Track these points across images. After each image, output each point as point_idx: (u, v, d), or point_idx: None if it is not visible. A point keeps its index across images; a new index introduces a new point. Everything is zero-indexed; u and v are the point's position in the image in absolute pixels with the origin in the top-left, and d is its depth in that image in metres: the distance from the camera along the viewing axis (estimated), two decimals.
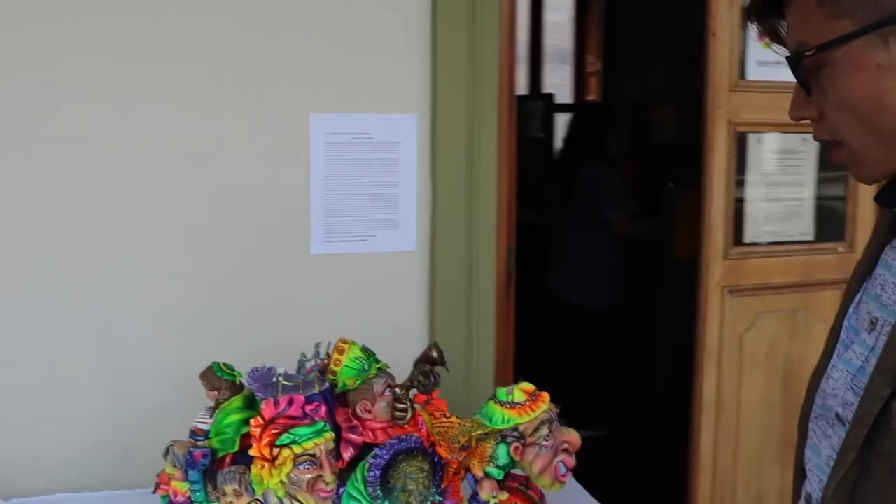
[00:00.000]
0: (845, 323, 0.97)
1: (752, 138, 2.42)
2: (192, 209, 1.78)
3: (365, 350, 1.42)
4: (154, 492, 1.44)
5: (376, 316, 1.92)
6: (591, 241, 4.02)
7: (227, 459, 1.39)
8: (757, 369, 2.53)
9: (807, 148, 2.49)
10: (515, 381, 2.32)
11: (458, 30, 1.88)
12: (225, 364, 1.44)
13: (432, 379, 1.38)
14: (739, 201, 2.46)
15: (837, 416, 0.93)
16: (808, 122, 0.95)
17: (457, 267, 1.99)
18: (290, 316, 1.85)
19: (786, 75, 2.70)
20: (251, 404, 1.43)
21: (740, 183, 2.45)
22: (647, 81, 4.89)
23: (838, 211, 2.58)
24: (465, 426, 1.39)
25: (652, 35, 4.84)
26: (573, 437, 1.35)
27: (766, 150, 2.45)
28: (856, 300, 0.97)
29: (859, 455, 0.84)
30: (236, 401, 1.41)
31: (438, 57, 1.87)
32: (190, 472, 1.35)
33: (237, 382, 1.44)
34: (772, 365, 2.55)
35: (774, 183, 2.48)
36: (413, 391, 1.41)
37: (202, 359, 1.75)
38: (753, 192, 2.47)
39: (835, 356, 0.97)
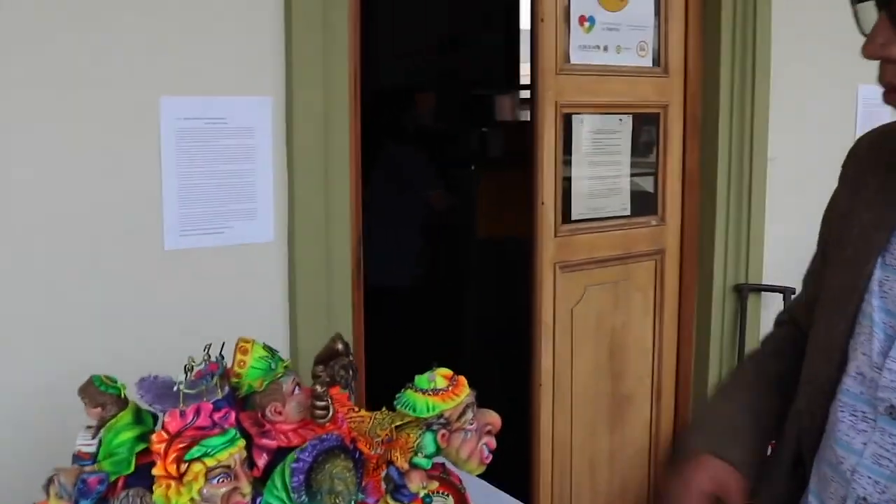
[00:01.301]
0: (875, 303, 0.93)
1: (575, 119, 2.52)
2: (29, 204, 1.57)
3: (267, 348, 1.32)
4: None
5: (235, 312, 1.80)
6: (393, 223, 4.03)
7: (120, 483, 1.24)
8: (587, 340, 2.65)
9: (622, 128, 2.64)
10: (366, 370, 2.29)
11: (313, 7, 1.80)
12: (107, 376, 1.28)
13: (351, 372, 1.31)
14: (566, 180, 2.55)
15: (891, 410, 0.90)
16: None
17: (316, 257, 1.91)
18: (143, 319, 1.69)
19: (605, 59, 2.80)
20: (139, 418, 1.28)
21: (566, 162, 2.54)
22: (408, 66, 4.95)
23: (650, 187, 2.75)
24: (377, 419, 1.34)
25: (414, 19, 4.92)
26: (494, 418, 1.33)
27: (588, 130, 2.56)
28: (876, 276, 0.94)
29: None
30: (125, 416, 1.26)
31: (293, 36, 1.78)
32: (82, 503, 1.19)
33: (122, 396, 1.28)
34: (599, 335, 2.68)
35: (596, 162, 2.60)
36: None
37: (46, 375, 1.56)
38: (578, 171, 2.57)
39: (875, 343, 0.91)
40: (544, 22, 2.37)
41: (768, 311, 2.84)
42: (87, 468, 1.23)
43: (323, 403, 1.25)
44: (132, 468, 1.23)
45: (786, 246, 2.87)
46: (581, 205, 2.59)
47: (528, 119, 6.53)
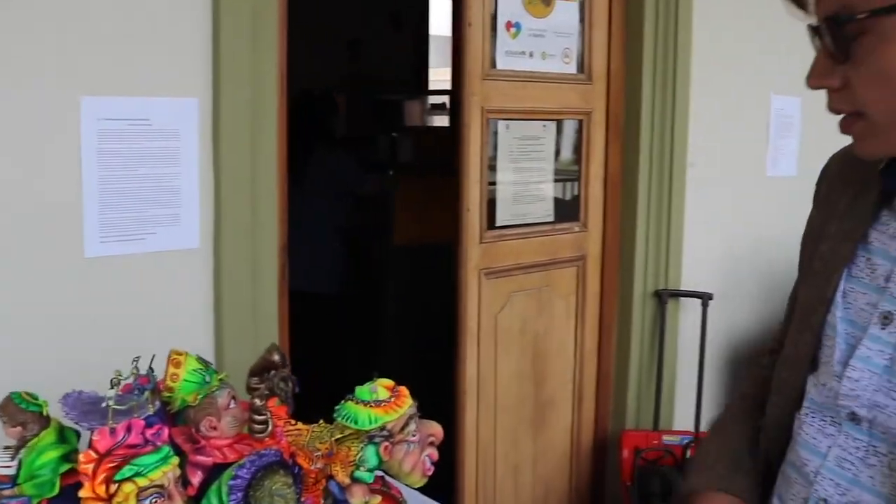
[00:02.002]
0: (838, 314, 0.94)
1: (500, 125, 2.52)
2: None
3: (201, 360, 1.27)
4: None
5: (159, 321, 1.73)
6: (315, 229, 3.97)
7: None
8: (511, 347, 2.65)
9: (546, 134, 2.65)
10: (295, 379, 2.23)
11: (241, 6, 1.74)
12: (27, 393, 1.20)
13: (290, 385, 1.26)
14: (491, 185, 2.55)
15: (853, 417, 0.91)
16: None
17: (242, 264, 1.85)
18: (64, 330, 1.60)
19: (530, 65, 2.82)
20: (62, 437, 1.22)
21: (490, 168, 2.54)
22: (313, 68, 4.92)
23: (572, 193, 2.78)
24: (315, 432, 1.30)
25: (319, 22, 4.89)
26: (437, 429, 1.31)
27: (513, 136, 2.57)
28: (840, 288, 0.95)
29: None
30: (48, 435, 1.19)
31: (220, 35, 1.72)
32: None
33: (44, 413, 1.21)
34: (523, 341, 2.69)
35: (520, 168, 2.61)
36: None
37: None
38: (503, 177, 2.57)
39: (836, 352, 0.93)
40: (472, 27, 2.36)
41: (687, 316, 2.90)
42: (6, 492, 1.16)
43: (262, 417, 1.21)
44: (56, 490, 1.17)
45: (705, 252, 2.95)
46: (506, 211, 2.59)
47: (436, 125, 6.49)
